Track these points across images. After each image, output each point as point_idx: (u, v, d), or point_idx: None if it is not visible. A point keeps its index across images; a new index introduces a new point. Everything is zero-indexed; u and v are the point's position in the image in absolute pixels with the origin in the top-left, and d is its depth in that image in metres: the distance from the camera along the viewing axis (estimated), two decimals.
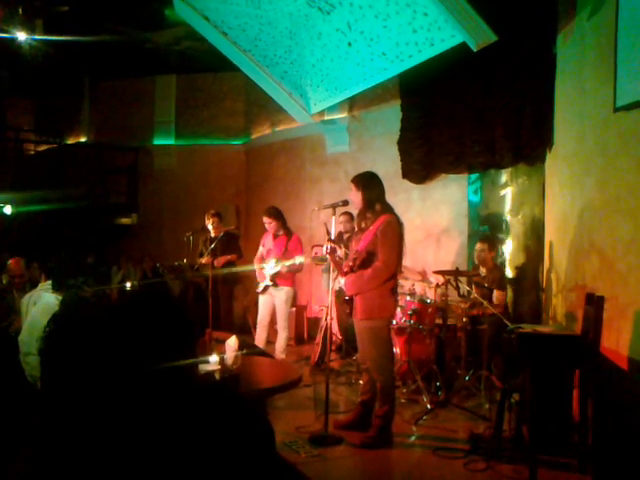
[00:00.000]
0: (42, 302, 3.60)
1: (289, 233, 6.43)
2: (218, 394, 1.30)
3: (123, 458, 1.19)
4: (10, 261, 5.13)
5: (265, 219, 6.36)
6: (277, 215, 6.38)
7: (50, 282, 3.78)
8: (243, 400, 1.29)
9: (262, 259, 6.48)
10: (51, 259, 4.37)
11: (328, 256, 4.68)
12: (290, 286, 6.40)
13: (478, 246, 6.08)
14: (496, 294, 5.76)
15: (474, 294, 5.46)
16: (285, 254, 6.29)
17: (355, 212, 4.94)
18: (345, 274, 4.58)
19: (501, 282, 5.89)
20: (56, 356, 1.30)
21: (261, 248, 6.55)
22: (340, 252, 4.87)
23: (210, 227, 7.15)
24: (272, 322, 6.47)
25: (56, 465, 1.22)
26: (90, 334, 1.30)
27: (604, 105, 4.15)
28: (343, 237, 6.96)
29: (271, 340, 6.59)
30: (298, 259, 6.10)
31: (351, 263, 4.53)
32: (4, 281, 7.77)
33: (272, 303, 6.38)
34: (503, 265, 6.67)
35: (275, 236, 6.39)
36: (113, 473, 1.18)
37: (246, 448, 1.22)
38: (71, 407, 1.26)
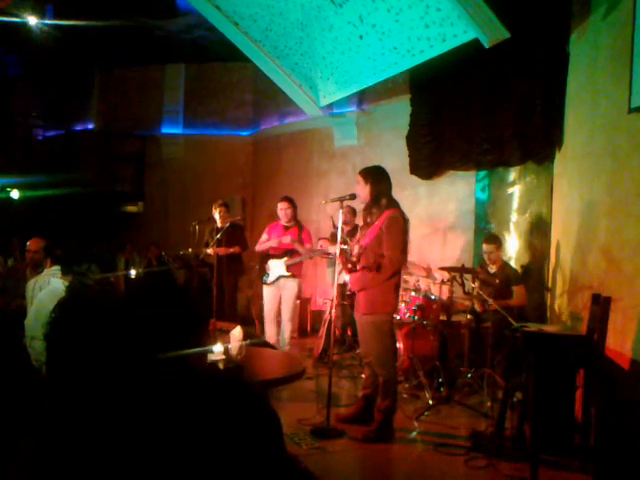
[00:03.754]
0: (50, 287, 3.61)
1: (300, 225, 6.41)
2: (227, 382, 1.30)
3: (128, 445, 1.19)
4: (30, 241, 5.25)
5: (283, 204, 6.29)
6: (294, 203, 6.37)
7: (57, 267, 3.81)
8: (251, 389, 1.29)
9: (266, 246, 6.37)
10: (57, 245, 4.40)
11: (337, 254, 4.60)
12: (299, 277, 6.39)
13: (487, 248, 5.95)
14: (516, 290, 5.76)
15: (482, 293, 5.44)
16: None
17: (359, 206, 4.87)
18: (350, 270, 4.55)
19: (516, 278, 5.88)
20: (61, 342, 1.30)
21: (265, 236, 6.42)
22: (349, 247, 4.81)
23: (217, 217, 7.09)
24: (277, 315, 6.45)
25: (60, 451, 1.22)
26: (96, 321, 1.30)
27: (616, 106, 4.13)
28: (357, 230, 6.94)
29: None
30: (332, 248, 6.05)
31: (355, 258, 4.51)
32: (9, 263, 7.82)
33: (279, 295, 6.35)
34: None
35: (286, 228, 6.33)
36: (118, 460, 1.18)
37: (255, 437, 1.22)
38: (76, 393, 1.26)
